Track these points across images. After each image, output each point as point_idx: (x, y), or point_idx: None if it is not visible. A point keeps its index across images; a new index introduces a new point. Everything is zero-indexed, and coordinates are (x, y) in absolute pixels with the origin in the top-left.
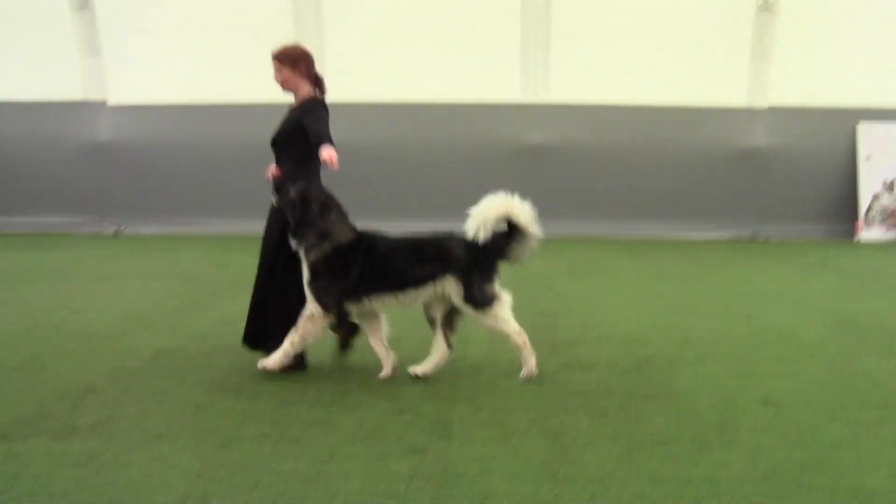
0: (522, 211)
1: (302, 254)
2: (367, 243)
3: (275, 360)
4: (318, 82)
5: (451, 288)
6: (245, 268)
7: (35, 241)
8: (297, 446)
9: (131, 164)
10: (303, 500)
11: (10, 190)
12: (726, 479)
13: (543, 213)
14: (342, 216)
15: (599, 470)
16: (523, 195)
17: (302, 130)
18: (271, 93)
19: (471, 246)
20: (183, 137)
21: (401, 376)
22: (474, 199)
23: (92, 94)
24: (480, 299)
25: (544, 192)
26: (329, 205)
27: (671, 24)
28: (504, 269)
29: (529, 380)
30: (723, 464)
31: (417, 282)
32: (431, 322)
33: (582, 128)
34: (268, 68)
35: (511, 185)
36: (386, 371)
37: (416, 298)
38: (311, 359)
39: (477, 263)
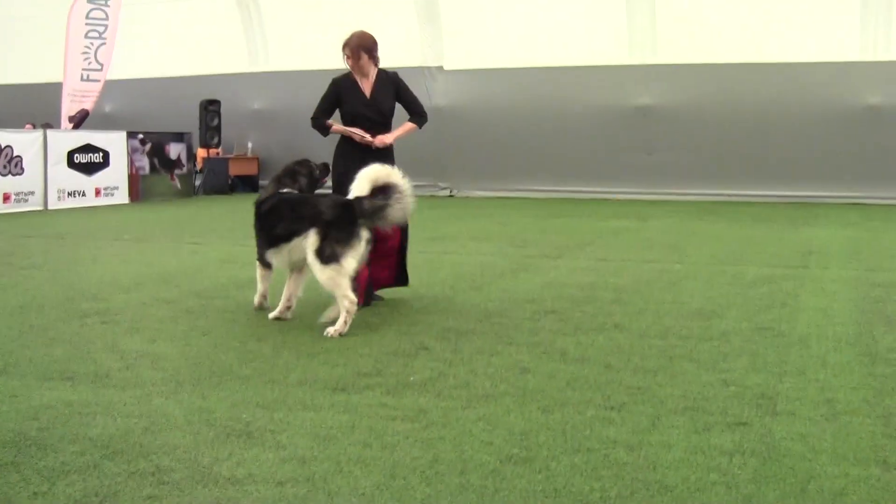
0: (398, 178)
1: None
2: (265, 202)
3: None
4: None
5: (310, 241)
6: (573, 232)
7: None
8: (619, 413)
9: (464, 127)
10: (623, 467)
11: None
12: None
13: (877, 177)
14: (278, 178)
15: None
16: (854, 158)
17: None
18: (599, 55)
19: (338, 205)
20: (514, 101)
21: (727, 347)
22: (800, 160)
23: (429, 61)
24: (328, 255)
25: (879, 154)
26: (283, 168)
27: None
28: (836, 236)
29: (324, 330)
30: None
31: (287, 237)
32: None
33: None
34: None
35: (842, 147)
36: (275, 313)
37: (292, 252)
38: (639, 326)
39: (338, 222)
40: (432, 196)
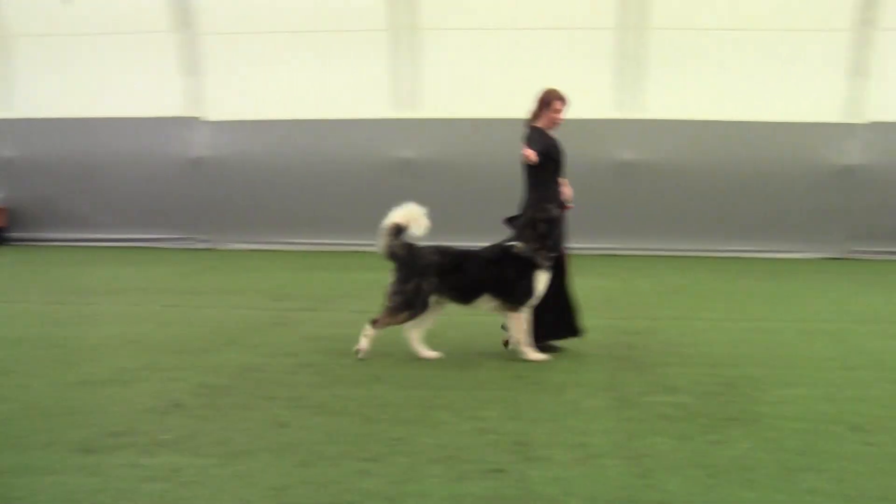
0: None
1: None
2: None
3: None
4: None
5: None
6: (332, 284)
7: (128, 255)
8: (377, 465)
9: (225, 179)
10: None
11: (109, 204)
12: None
13: (634, 230)
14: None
15: (682, 495)
16: (615, 212)
17: None
18: (364, 108)
19: None
20: (276, 153)
21: (484, 395)
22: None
23: (190, 111)
24: None
25: (636, 209)
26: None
27: (770, 38)
28: (591, 287)
29: None
30: (808, 491)
31: None
32: None
33: (673, 144)
34: (357, 85)
35: (597, 201)
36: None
37: None
38: (398, 377)
39: None
40: (190, 249)
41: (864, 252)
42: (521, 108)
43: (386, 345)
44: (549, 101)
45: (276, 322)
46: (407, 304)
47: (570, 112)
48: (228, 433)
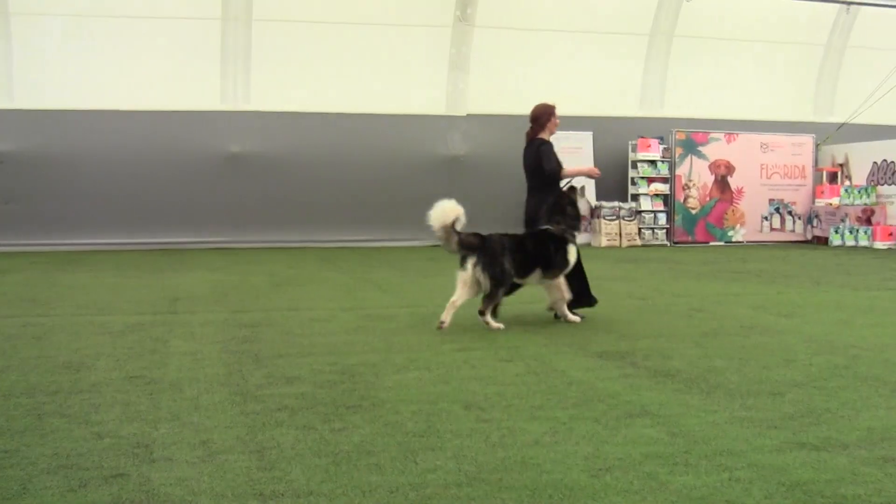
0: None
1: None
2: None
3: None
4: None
5: None
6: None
7: None
8: None
9: None
10: None
11: None
12: (432, 484)
13: (241, 222)
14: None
15: (307, 483)
16: (225, 205)
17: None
18: (70, 100)
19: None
20: None
21: (98, 398)
22: (168, 207)
23: None
24: None
25: (242, 200)
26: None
27: (372, 32)
28: (204, 281)
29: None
30: (428, 469)
31: None
32: None
33: (279, 136)
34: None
35: (207, 194)
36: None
37: None
38: (3, 385)
39: None
40: None
41: None
42: (124, 99)
43: None
44: (552, 112)
45: None
46: (500, 283)
47: (175, 104)
48: None
